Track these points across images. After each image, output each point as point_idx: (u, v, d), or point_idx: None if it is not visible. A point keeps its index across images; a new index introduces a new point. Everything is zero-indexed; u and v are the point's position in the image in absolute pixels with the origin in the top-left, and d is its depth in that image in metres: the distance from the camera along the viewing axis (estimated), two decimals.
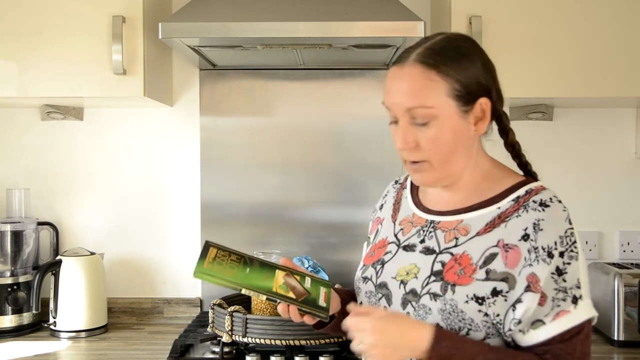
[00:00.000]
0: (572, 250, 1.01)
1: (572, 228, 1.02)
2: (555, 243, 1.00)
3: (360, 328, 0.99)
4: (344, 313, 1.13)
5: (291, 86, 2.16)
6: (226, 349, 1.66)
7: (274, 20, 1.68)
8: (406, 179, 1.27)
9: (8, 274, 2.00)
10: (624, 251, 2.14)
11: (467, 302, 1.01)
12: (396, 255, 1.15)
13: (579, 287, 1.00)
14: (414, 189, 1.23)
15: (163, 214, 2.19)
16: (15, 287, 1.99)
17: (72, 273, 1.96)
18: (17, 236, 2.03)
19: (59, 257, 2.00)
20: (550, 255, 1.00)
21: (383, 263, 1.15)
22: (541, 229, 1.01)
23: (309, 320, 1.14)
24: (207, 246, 1.15)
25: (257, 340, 1.61)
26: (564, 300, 0.99)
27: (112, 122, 2.19)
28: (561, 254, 1.00)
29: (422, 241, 1.12)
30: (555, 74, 1.79)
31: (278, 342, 1.60)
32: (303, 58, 1.98)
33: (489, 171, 1.13)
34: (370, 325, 0.98)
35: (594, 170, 2.14)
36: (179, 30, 1.68)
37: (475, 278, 1.02)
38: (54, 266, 1.97)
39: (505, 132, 1.15)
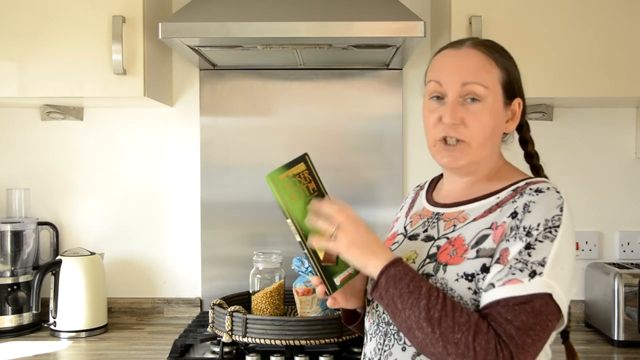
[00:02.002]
0: (550, 232, 1.00)
1: (561, 215, 1.01)
2: (538, 225, 1.00)
3: (346, 213, 1.06)
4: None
5: (291, 86, 2.16)
6: (226, 349, 1.66)
7: (274, 20, 1.68)
8: (426, 182, 1.32)
9: (8, 274, 2.00)
10: (624, 251, 2.14)
11: (457, 280, 1.03)
12: (402, 244, 1.19)
13: (542, 265, 0.98)
14: (430, 188, 1.28)
15: (163, 214, 2.19)
16: (15, 287, 1.99)
17: (72, 273, 1.96)
18: (17, 236, 2.03)
19: (59, 257, 2.01)
20: (528, 234, 1.00)
21: None
22: (529, 211, 1.02)
23: (320, 290, 1.12)
24: (301, 159, 1.12)
25: (257, 340, 1.61)
26: (520, 270, 0.98)
27: (112, 122, 2.19)
28: (538, 233, 1.00)
29: (425, 231, 1.16)
30: (555, 74, 1.79)
31: (278, 342, 1.60)
32: (303, 58, 1.98)
33: (500, 169, 1.16)
34: (354, 215, 1.07)
35: (594, 170, 2.14)
36: (179, 30, 1.68)
37: (466, 257, 1.04)
38: (54, 266, 1.97)
39: (525, 142, 1.19)
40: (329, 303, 1.16)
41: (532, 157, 1.20)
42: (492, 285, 0.99)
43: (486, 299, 0.99)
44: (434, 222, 1.16)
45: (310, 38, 1.70)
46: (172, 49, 2.08)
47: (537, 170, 1.20)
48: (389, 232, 1.31)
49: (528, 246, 0.99)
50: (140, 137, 2.19)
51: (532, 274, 0.97)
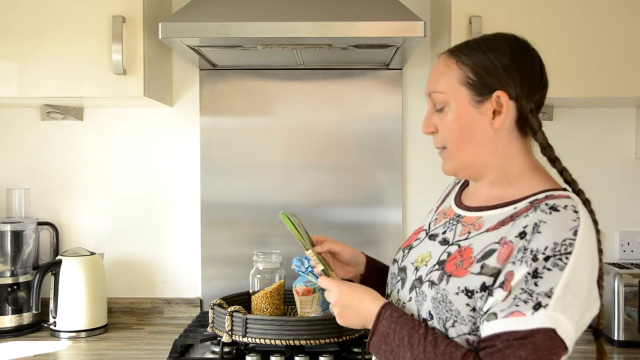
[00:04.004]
0: (560, 259, 0.94)
1: (573, 239, 0.95)
2: (546, 248, 0.95)
3: (330, 289, 1.16)
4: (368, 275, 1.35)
5: (291, 86, 2.16)
6: (226, 349, 1.66)
7: (274, 20, 1.68)
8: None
9: (8, 274, 2.00)
10: (624, 251, 2.14)
11: (457, 293, 1.01)
12: (422, 242, 1.19)
13: (549, 297, 0.93)
14: (463, 185, 1.25)
15: (163, 213, 2.19)
16: (15, 287, 1.99)
17: (72, 273, 1.96)
18: (17, 236, 2.03)
19: (59, 257, 2.00)
20: (535, 259, 0.95)
21: (410, 248, 1.20)
22: (539, 232, 0.97)
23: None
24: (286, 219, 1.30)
25: (257, 340, 1.61)
26: (525, 302, 0.94)
27: (112, 122, 2.19)
28: (546, 259, 0.95)
29: (444, 232, 1.15)
30: (555, 74, 1.77)
31: (278, 342, 1.60)
32: (303, 58, 1.98)
33: (525, 174, 1.11)
34: (336, 287, 1.15)
35: (594, 170, 2.14)
36: (179, 30, 1.68)
37: (470, 271, 1.02)
38: (54, 266, 1.97)
39: (534, 134, 1.11)
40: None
41: (545, 149, 1.11)
42: (495, 315, 0.96)
43: (488, 329, 0.96)
44: (453, 224, 1.14)
45: (310, 38, 1.70)
46: (172, 49, 2.09)
47: (554, 162, 1.12)
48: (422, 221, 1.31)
49: (535, 274, 0.94)
50: (140, 137, 2.19)
51: (537, 307, 0.93)
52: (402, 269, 1.18)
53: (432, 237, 1.17)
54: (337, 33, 1.68)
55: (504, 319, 0.94)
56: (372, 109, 2.15)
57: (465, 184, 1.25)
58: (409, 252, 1.20)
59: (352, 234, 2.15)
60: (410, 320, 1.05)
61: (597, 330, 1.12)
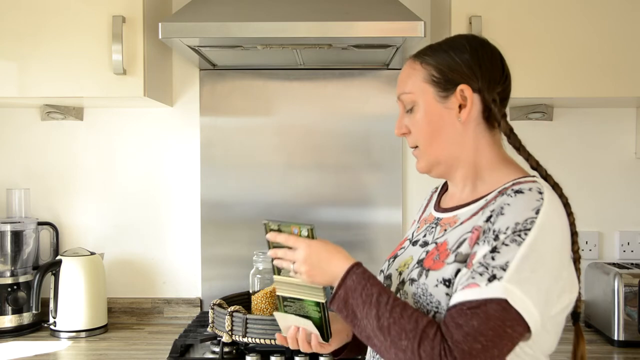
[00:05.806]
0: (519, 235, 0.96)
1: (535, 217, 0.97)
2: (507, 228, 0.97)
3: (297, 246, 1.10)
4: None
5: (291, 86, 2.16)
6: (226, 349, 1.66)
7: (274, 20, 1.68)
8: (442, 184, 1.31)
9: (8, 274, 2.00)
10: (624, 251, 2.14)
11: (436, 285, 1.03)
12: (406, 250, 1.20)
13: (504, 270, 0.95)
14: (442, 192, 1.27)
15: (163, 213, 2.19)
16: (15, 287, 1.99)
17: (72, 273, 1.96)
18: (17, 236, 2.03)
19: (59, 257, 2.01)
20: (496, 238, 0.98)
21: (395, 257, 1.22)
22: (503, 214, 0.99)
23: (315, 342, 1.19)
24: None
25: (257, 340, 1.61)
26: (480, 274, 0.96)
27: (112, 122, 2.19)
28: (506, 237, 0.97)
29: (424, 236, 1.17)
30: (555, 74, 1.79)
31: (278, 342, 1.60)
32: (303, 58, 1.98)
33: (492, 165, 1.13)
34: (305, 244, 1.10)
35: (594, 170, 2.15)
36: (179, 30, 1.68)
37: (446, 262, 1.04)
38: (54, 266, 1.97)
39: (498, 123, 1.12)
40: (318, 349, 1.19)
41: (509, 137, 1.12)
42: (456, 289, 0.98)
43: (450, 303, 0.99)
44: (432, 228, 1.17)
45: (310, 38, 1.70)
46: (172, 49, 2.08)
47: (519, 149, 1.12)
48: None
49: (494, 250, 0.97)
50: (140, 137, 2.19)
51: (492, 278, 0.95)
52: (388, 277, 1.19)
53: (414, 243, 1.20)
54: (337, 33, 1.68)
55: (461, 291, 0.97)
56: (372, 109, 2.15)
57: (444, 189, 1.27)
58: (393, 261, 1.21)
59: (352, 233, 2.15)
60: (381, 282, 1.06)
61: (576, 314, 1.13)
